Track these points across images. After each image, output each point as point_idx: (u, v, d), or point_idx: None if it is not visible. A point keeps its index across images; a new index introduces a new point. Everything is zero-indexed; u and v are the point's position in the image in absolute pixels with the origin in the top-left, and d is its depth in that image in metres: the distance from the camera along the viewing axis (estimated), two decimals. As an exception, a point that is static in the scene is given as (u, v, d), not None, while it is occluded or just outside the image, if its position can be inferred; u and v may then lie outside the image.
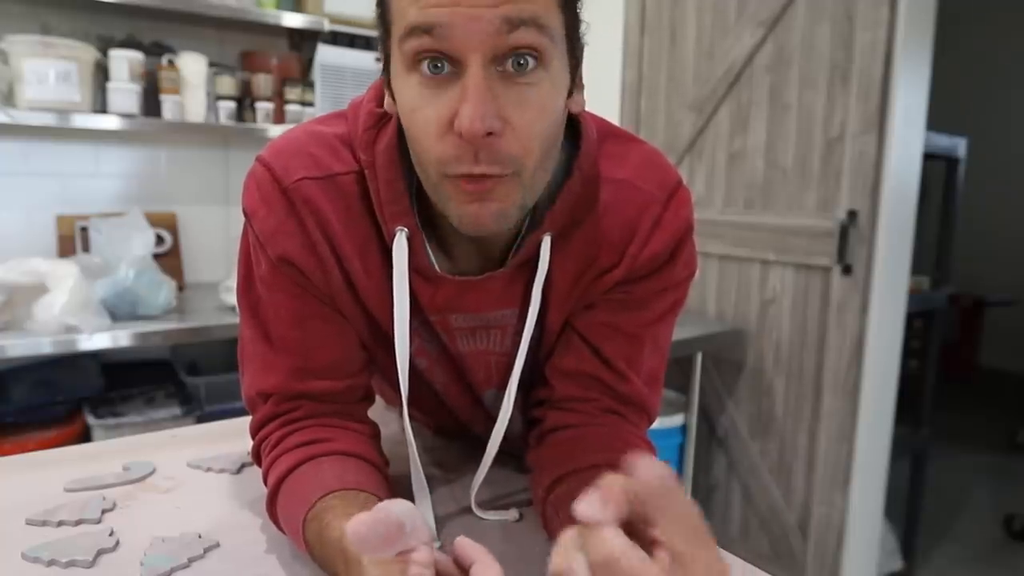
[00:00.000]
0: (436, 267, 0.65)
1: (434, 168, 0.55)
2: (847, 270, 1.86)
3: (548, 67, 0.54)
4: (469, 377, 0.75)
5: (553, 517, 0.65)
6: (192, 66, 2.01)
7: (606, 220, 0.66)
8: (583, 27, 0.58)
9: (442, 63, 0.52)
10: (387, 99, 0.60)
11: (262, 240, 0.64)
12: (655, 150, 0.71)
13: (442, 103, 0.52)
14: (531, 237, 0.63)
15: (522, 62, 0.52)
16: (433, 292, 0.66)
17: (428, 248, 0.65)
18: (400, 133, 0.62)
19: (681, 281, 0.70)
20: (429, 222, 0.65)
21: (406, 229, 0.62)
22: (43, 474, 0.80)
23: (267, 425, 0.69)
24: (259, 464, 0.71)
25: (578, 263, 0.67)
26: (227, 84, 2.08)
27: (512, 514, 0.73)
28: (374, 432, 0.73)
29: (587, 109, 0.69)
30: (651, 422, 0.75)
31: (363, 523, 0.42)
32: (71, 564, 0.61)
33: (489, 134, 0.51)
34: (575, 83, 0.59)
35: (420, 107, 0.53)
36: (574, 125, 0.64)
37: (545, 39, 0.52)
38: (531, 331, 0.65)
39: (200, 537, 0.67)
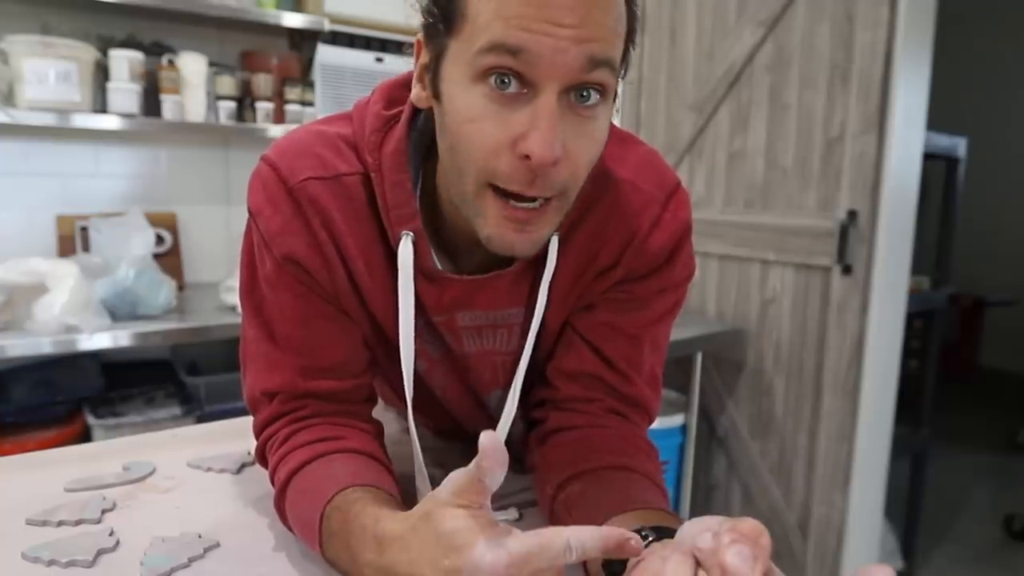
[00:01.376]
0: (438, 266, 0.65)
1: (478, 178, 0.55)
2: (847, 270, 1.86)
3: (607, 102, 0.55)
4: (472, 379, 0.75)
5: (564, 517, 0.65)
6: (192, 66, 2.01)
7: (606, 219, 0.67)
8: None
9: (510, 79, 0.52)
10: (416, 89, 0.60)
11: (267, 239, 0.64)
12: (653, 151, 0.71)
13: (509, 122, 0.52)
14: None
15: (585, 94, 0.53)
16: (439, 293, 0.66)
17: (432, 250, 0.65)
18: (408, 135, 0.62)
19: (680, 282, 0.70)
20: (432, 223, 0.65)
21: (412, 233, 0.62)
22: (43, 474, 0.80)
23: (273, 424, 0.69)
24: (263, 463, 0.70)
25: (578, 261, 0.67)
26: (227, 84, 2.08)
27: (512, 514, 0.73)
28: (379, 432, 0.73)
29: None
30: (651, 422, 0.75)
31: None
32: (71, 564, 0.61)
33: (553, 162, 0.52)
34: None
35: (481, 119, 0.53)
36: None
37: (614, 79, 0.54)
38: (536, 330, 0.66)
39: (200, 537, 0.67)
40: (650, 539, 0.52)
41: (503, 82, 0.52)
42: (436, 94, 0.57)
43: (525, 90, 0.52)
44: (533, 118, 0.51)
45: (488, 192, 0.55)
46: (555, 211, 0.57)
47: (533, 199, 0.55)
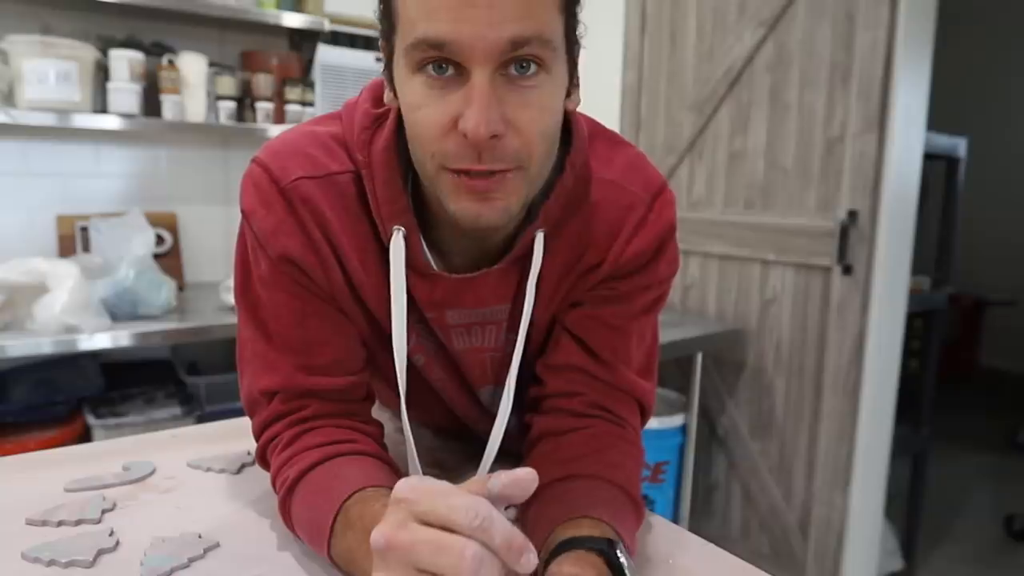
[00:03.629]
0: (433, 265, 0.66)
1: (433, 162, 0.57)
2: (847, 270, 1.86)
3: (549, 71, 0.56)
4: (465, 373, 0.75)
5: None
6: (192, 66, 2.01)
7: (593, 219, 0.68)
8: (580, 28, 0.60)
9: (446, 65, 0.54)
10: (387, 92, 0.62)
11: (262, 240, 0.64)
12: (640, 153, 0.73)
13: (446, 103, 0.54)
14: (526, 232, 0.64)
15: (524, 65, 0.54)
16: (430, 289, 0.67)
17: (424, 246, 0.65)
18: (397, 132, 0.62)
19: (664, 279, 0.72)
20: (423, 220, 0.66)
21: (403, 228, 0.63)
22: (43, 474, 0.80)
23: (274, 424, 0.69)
24: (264, 465, 0.70)
25: (565, 259, 0.68)
26: (227, 84, 2.08)
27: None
28: (381, 432, 0.73)
29: (588, 111, 0.69)
30: (646, 412, 0.75)
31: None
32: (71, 564, 0.61)
33: (493, 136, 0.53)
34: (572, 82, 0.61)
35: (424, 106, 0.55)
36: (565, 123, 0.65)
37: (548, 51, 0.55)
38: (527, 326, 0.66)
39: (200, 537, 0.67)
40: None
41: (440, 67, 0.54)
42: (395, 92, 0.60)
43: (460, 73, 0.54)
44: (467, 98, 0.53)
45: (444, 171, 0.57)
46: (518, 182, 0.57)
47: (487, 171, 0.56)
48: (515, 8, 0.52)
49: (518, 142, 0.55)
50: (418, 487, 0.45)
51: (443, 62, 0.53)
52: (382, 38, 0.59)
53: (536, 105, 0.55)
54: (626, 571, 0.54)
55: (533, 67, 0.54)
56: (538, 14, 0.53)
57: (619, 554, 0.55)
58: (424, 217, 0.66)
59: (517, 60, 0.53)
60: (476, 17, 0.51)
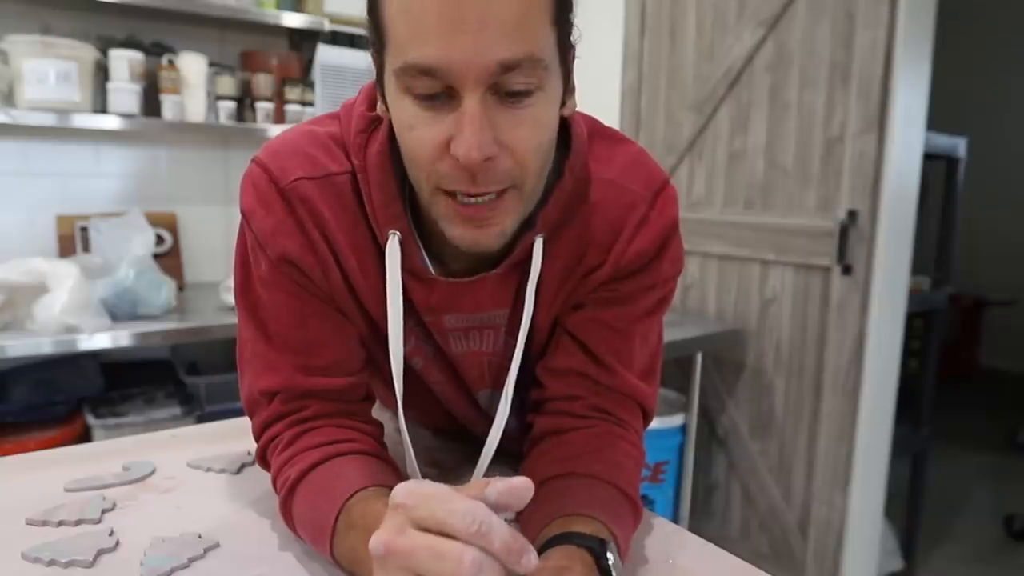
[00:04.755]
0: (431, 269, 0.66)
1: (429, 183, 0.57)
2: (847, 270, 1.86)
3: (543, 87, 0.55)
4: (463, 376, 0.75)
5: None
6: (192, 66, 2.01)
7: (593, 220, 0.67)
8: (575, 33, 0.59)
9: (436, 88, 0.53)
10: (380, 105, 0.62)
11: (261, 240, 0.64)
12: (641, 150, 0.71)
13: (439, 126, 0.54)
14: (524, 238, 0.64)
15: (516, 88, 0.53)
16: (427, 294, 0.67)
17: (422, 250, 0.65)
18: (392, 136, 0.62)
19: (668, 278, 0.71)
20: (420, 224, 0.66)
21: (399, 233, 0.63)
22: (43, 474, 0.80)
23: (274, 424, 0.69)
24: (264, 465, 0.70)
25: (566, 262, 0.68)
26: (227, 84, 2.08)
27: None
28: (381, 432, 0.73)
29: (588, 111, 0.69)
30: (647, 416, 0.74)
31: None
32: (71, 564, 0.61)
33: (487, 159, 0.53)
34: (567, 89, 0.60)
35: (416, 127, 0.55)
36: (564, 126, 0.64)
37: (539, 70, 0.53)
38: (526, 331, 0.66)
39: (200, 537, 0.67)
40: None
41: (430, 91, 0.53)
42: (387, 105, 0.59)
43: (451, 96, 0.53)
44: (459, 122, 0.53)
45: (440, 194, 0.57)
46: (514, 201, 0.57)
47: (482, 194, 0.56)
48: (505, 29, 0.51)
49: (511, 162, 0.55)
50: (415, 492, 0.45)
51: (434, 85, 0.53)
52: (372, 50, 0.59)
53: (529, 123, 0.55)
54: (612, 572, 0.54)
55: (524, 88, 0.54)
56: (529, 32, 0.52)
57: (609, 554, 0.55)
58: (421, 221, 0.66)
59: (507, 83, 0.53)
60: (465, 43, 0.50)
